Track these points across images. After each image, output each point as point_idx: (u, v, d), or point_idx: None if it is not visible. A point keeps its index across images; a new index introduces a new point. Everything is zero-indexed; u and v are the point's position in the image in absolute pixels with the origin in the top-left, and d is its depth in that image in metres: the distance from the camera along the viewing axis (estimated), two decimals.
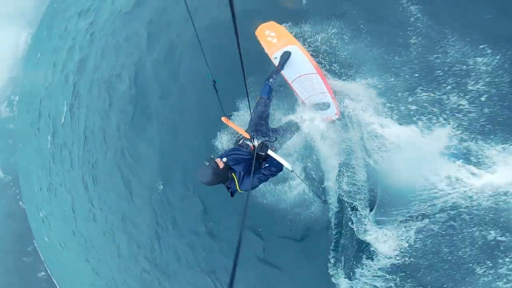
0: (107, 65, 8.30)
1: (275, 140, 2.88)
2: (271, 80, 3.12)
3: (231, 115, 2.75)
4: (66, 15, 18.32)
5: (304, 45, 3.51)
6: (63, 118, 10.92)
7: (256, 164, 2.41)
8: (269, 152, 2.44)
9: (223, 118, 2.50)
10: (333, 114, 3.33)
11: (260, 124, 2.89)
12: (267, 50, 3.46)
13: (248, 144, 2.64)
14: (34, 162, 15.91)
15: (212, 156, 2.32)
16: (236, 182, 2.40)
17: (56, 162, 11.76)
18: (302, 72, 3.29)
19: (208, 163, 2.22)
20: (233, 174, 2.41)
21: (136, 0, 7.66)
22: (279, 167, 2.47)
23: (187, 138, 5.42)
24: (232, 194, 2.50)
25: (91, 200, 8.44)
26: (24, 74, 27.75)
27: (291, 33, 3.54)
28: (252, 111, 2.73)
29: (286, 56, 3.34)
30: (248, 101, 1.97)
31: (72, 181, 9.82)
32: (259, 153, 2.43)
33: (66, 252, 11.66)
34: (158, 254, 6.30)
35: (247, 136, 2.57)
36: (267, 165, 2.52)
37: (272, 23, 3.51)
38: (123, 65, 7.46)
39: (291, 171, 2.44)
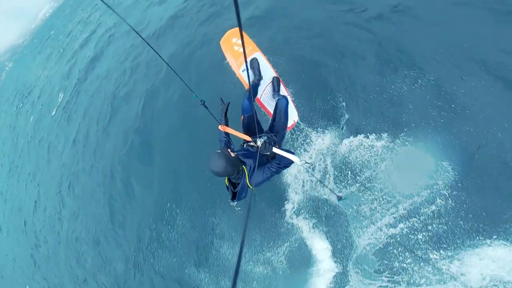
0: (118, 76, 8.16)
1: (277, 137, 2.80)
2: (247, 94, 2.99)
3: (227, 123, 2.69)
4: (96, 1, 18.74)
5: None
6: (54, 110, 10.44)
7: (263, 160, 2.40)
8: (275, 150, 2.36)
9: (220, 127, 2.46)
10: (295, 117, 3.44)
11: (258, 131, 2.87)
12: (234, 62, 3.19)
13: (252, 146, 2.57)
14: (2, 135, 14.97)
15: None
16: (247, 175, 2.31)
17: (31, 148, 11.01)
18: (266, 82, 3.29)
19: (220, 151, 2.12)
20: (243, 166, 2.33)
21: (170, 24, 7.85)
22: (289, 161, 2.40)
23: (189, 186, 5.15)
24: (234, 196, 2.35)
25: (62, 204, 7.69)
26: (29, 45, 27.36)
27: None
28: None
29: (256, 64, 3.25)
30: (253, 105, 2.36)
31: (44, 176, 9.07)
32: (264, 153, 2.38)
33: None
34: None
35: (248, 138, 2.50)
36: (277, 161, 2.44)
37: (237, 29, 3.38)
38: (136, 84, 7.34)
39: (304, 163, 2.40)
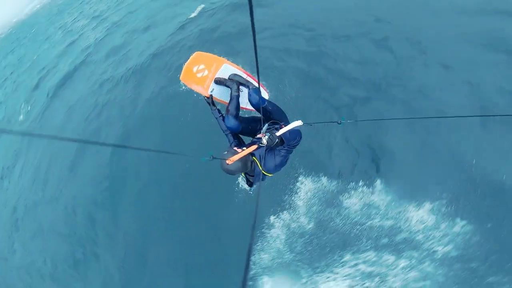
0: (88, 108, 7.19)
1: (272, 115, 2.66)
2: (229, 108, 2.79)
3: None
4: (84, 6, 17.74)
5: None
6: (21, 116, 9.12)
7: (273, 149, 2.40)
8: (280, 133, 2.33)
9: (228, 161, 2.26)
10: (267, 96, 3.39)
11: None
12: (201, 88, 3.04)
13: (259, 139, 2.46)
14: None
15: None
16: (259, 164, 2.35)
17: None
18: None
19: (227, 152, 2.18)
20: (253, 158, 2.37)
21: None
22: (297, 135, 2.42)
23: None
24: (251, 184, 2.48)
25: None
26: (4, 39, 25.52)
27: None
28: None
29: (237, 76, 3.08)
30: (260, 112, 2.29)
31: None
32: (274, 145, 2.34)
33: None
34: None
35: (256, 147, 2.37)
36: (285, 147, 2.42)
37: (196, 55, 3.07)
38: (107, 121, 6.42)
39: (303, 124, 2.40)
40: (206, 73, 3.03)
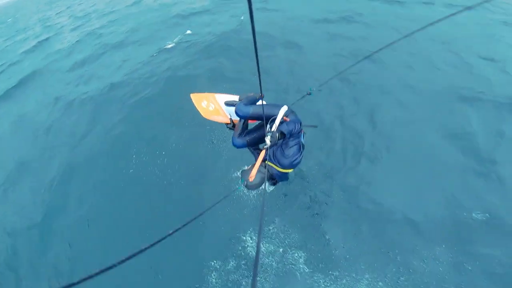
0: (36, 131, 6.39)
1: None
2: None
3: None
4: (75, 1, 16.96)
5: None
6: None
7: (280, 145, 2.42)
8: (275, 126, 2.38)
9: (249, 179, 2.26)
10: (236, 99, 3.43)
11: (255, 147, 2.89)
12: (221, 117, 3.17)
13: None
14: None
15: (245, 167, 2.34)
16: (274, 166, 2.40)
17: None
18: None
19: (246, 169, 2.32)
20: (267, 162, 2.42)
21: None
22: (294, 122, 2.36)
23: None
24: (276, 182, 2.60)
25: None
26: None
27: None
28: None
29: (230, 101, 3.09)
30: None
31: None
32: (278, 140, 2.34)
33: None
34: None
35: (264, 152, 2.43)
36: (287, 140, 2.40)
37: (194, 96, 3.25)
38: (56, 149, 5.66)
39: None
40: (214, 106, 3.20)
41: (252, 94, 2.82)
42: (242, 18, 8.74)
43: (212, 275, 3.20)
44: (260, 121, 2.85)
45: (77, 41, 10.06)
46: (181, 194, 3.98)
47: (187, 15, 9.93)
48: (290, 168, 2.41)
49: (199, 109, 3.14)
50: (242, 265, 3.24)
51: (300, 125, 2.38)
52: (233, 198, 3.78)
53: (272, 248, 3.33)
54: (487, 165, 3.78)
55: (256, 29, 0.96)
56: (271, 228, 3.50)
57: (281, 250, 3.29)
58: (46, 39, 11.50)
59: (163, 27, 9.15)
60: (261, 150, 2.66)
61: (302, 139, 2.52)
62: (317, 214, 3.59)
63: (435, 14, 8.14)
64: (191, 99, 3.23)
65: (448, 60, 5.77)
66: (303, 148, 2.53)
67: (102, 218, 4.11)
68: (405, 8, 8.14)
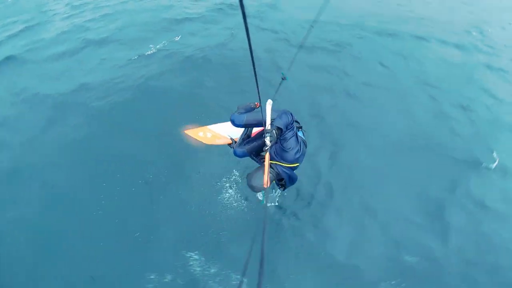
0: None
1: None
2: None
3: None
4: None
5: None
6: None
7: (279, 141, 2.43)
8: (268, 123, 2.28)
9: (265, 186, 2.23)
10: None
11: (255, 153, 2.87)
12: (222, 140, 3.24)
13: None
14: None
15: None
16: (280, 163, 2.41)
17: None
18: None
19: (256, 175, 2.32)
20: (274, 162, 2.42)
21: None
22: (285, 115, 2.36)
23: None
24: (285, 187, 2.63)
25: None
26: None
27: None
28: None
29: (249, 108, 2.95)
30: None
31: None
32: (277, 136, 2.32)
33: None
34: None
35: (268, 153, 2.30)
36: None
37: (189, 133, 3.32)
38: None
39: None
40: (210, 134, 3.26)
41: (248, 103, 2.85)
42: (233, 32, 8.55)
43: (148, 285, 3.18)
44: (258, 131, 2.98)
45: (63, 31, 9.74)
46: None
47: (181, 19, 9.71)
48: (295, 162, 2.43)
49: (199, 140, 3.24)
50: (178, 281, 3.21)
51: (292, 115, 2.39)
52: (190, 212, 3.75)
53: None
54: (435, 221, 3.82)
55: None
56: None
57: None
58: (35, 25, 11.14)
59: (153, 29, 8.89)
60: (263, 156, 2.74)
61: (300, 134, 2.61)
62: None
63: (427, 51, 8.09)
64: (187, 135, 3.30)
65: (423, 103, 5.69)
66: (305, 145, 2.59)
67: (44, 221, 3.81)
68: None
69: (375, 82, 6.18)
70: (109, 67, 6.77)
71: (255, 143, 2.78)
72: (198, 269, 3.39)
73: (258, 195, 3.97)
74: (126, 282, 3.26)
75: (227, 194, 4.02)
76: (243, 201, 3.96)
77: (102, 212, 3.78)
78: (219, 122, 3.43)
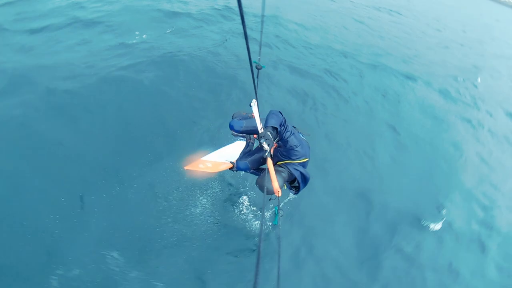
0: None
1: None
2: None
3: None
4: None
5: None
6: None
7: (281, 144, 2.43)
8: (260, 128, 2.25)
9: (278, 194, 2.20)
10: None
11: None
12: (224, 165, 3.13)
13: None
14: None
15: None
16: (288, 161, 2.39)
17: None
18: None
19: (264, 181, 2.24)
20: (284, 162, 2.42)
21: None
22: (274, 115, 2.37)
23: None
24: (298, 188, 2.52)
25: None
26: None
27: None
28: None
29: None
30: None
31: None
32: (272, 138, 2.27)
33: None
34: None
35: (270, 159, 2.29)
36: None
37: (189, 168, 3.15)
38: None
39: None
40: (210, 164, 3.16)
41: (242, 112, 2.91)
42: (226, 37, 8.34)
43: (53, 277, 2.96)
44: (258, 145, 2.94)
45: (58, 6, 9.52)
46: None
47: (177, 13, 9.51)
48: (303, 158, 2.38)
49: (203, 171, 3.18)
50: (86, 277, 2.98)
51: (281, 113, 2.36)
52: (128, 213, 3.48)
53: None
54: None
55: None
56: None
57: None
58: None
59: (145, 18, 8.68)
60: (264, 170, 2.72)
61: (300, 135, 2.58)
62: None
63: (409, 92, 7.91)
64: (188, 170, 3.20)
65: (386, 148, 5.55)
66: (308, 146, 2.52)
67: None
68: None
69: (347, 117, 6.03)
70: (84, 49, 6.51)
71: (256, 155, 2.80)
72: (115, 269, 3.13)
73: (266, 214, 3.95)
74: (32, 273, 2.98)
75: (164, 204, 3.71)
76: (186, 213, 3.68)
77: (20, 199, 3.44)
78: (208, 150, 3.36)
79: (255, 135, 2.91)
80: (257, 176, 2.79)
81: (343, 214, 4.20)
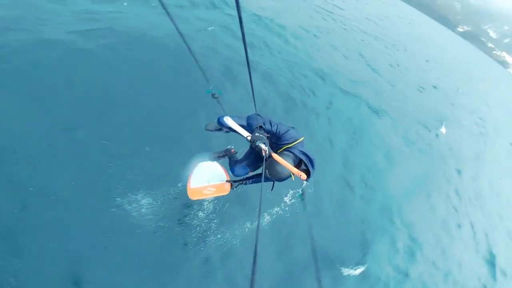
0: None
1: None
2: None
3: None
4: None
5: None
6: None
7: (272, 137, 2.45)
8: (250, 136, 2.30)
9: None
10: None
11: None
12: (227, 185, 3.14)
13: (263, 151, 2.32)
14: None
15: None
16: (290, 145, 2.39)
17: None
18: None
19: (277, 165, 2.22)
20: (283, 148, 2.40)
21: None
22: (250, 119, 2.44)
23: None
24: (309, 171, 2.35)
25: None
26: None
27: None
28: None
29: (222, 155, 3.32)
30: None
31: None
32: (264, 136, 2.32)
33: None
34: None
35: (274, 153, 2.30)
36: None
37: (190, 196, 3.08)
38: None
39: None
40: (213, 189, 3.11)
41: (223, 149, 3.35)
42: (212, 27, 8.06)
43: None
44: (247, 150, 2.95)
45: None
46: None
47: None
48: (299, 138, 2.37)
49: (210, 196, 3.17)
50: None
51: (255, 116, 2.35)
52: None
53: None
54: None
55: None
56: None
57: None
58: None
59: None
60: (260, 174, 2.79)
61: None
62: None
63: (373, 131, 8.09)
64: (194, 199, 3.16)
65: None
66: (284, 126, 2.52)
67: None
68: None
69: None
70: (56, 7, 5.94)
71: (250, 156, 2.78)
72: None
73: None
74: None
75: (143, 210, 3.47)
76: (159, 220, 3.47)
77: None
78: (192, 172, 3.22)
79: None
80: (258, 183, 2.83)
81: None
